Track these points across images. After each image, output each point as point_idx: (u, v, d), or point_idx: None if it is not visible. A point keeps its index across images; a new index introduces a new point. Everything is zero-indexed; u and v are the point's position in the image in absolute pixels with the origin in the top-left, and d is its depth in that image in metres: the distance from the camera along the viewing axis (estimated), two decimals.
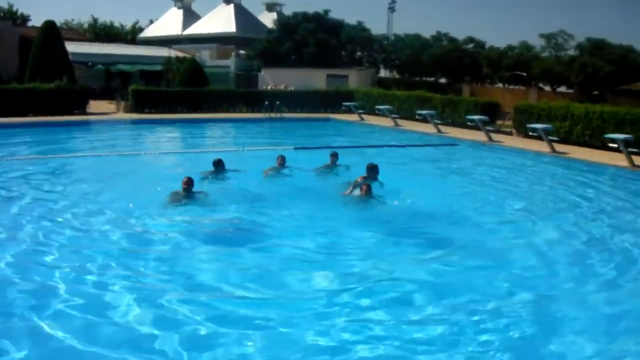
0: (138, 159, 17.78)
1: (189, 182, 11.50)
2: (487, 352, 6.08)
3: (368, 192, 11.57)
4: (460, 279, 8.03)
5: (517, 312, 7.06)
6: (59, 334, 6.08)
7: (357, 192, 11.85)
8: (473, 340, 6.30)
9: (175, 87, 36.54)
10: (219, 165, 14.12)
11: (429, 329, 6.53)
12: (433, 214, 11.32)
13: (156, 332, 6.23)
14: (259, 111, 34.17)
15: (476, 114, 26.62)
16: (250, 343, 6.08)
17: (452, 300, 7.33)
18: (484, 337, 6.37)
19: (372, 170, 13.01)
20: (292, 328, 6.40)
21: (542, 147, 21.59)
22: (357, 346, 6.09)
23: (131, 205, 11.22)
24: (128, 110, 32.89)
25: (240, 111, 35.07)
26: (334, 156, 15.30)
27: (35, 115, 28.44)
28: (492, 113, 27.99)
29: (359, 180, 12.58)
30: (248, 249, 8.79)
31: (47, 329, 6.18)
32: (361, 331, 6.38)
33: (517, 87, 47.58)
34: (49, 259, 8.26)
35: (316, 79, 44.89)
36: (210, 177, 13.81)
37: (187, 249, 8.80)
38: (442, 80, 51.93)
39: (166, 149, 21.05)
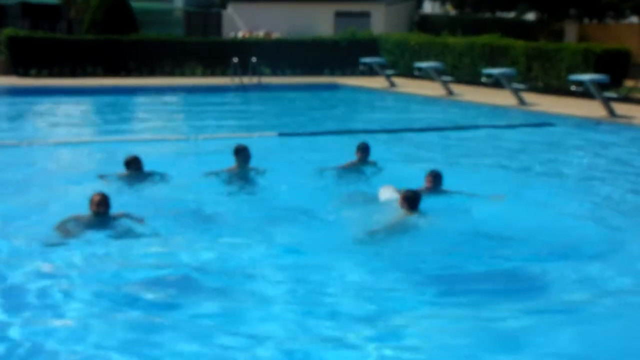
0: (15, 152, 17.65)
1: (102, 202, 11.03)
2: None
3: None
4: None
5: None
6: None
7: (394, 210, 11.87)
8: None
9: (83, 33, 36.54)
10: (131, 165, 14.12)
11: None
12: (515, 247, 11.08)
13: None
14: (224, 74, 33.92)
15: (587, 72, 26.30)
16: None
17: None
18: None
19: (437, 177, 13.27)
20: None
21: None
22: None
23: None
24: (0, 70, 32.77)
25: (193, 74, 35.10)
26: (363, 151, 15.28)
27: None
28: (616, 69, 27.83)
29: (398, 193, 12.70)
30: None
31: None
32: None
33: None
34: None
35: (318, 19, 44.62)
36: (124, 181, 13.92)
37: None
38: (529, 17, 51.58)
39: (64, 136, 20.74)
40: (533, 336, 8.16)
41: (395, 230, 11.49)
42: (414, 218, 11.63)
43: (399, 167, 15.54)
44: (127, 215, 11.31)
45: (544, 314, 8.80)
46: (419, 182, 13.51)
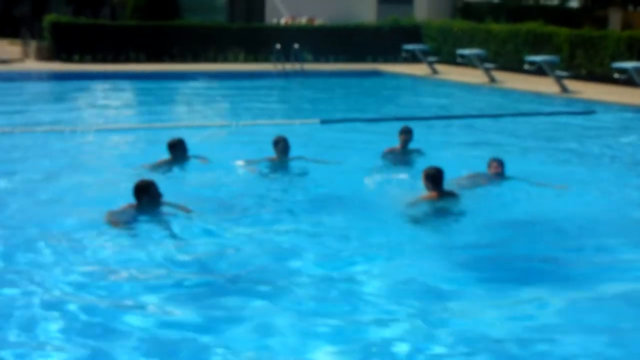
0: (60, 138, 17.72)
1: (147, 189, 11.00)
2: None
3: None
4: None
5: None
6: None
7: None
8: None
9: (127, 19, 36.65)
10: (176, 148, 14.13)
11: None
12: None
13: None
14: (266, 60, 34.01)
15: (630, 60, 26.16)
16: None
17: None
18: None
19: (501, 162, 13.24)
20: None
21: None
22: None
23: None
24: (44, 56, 32.97)
25: (235, 60, 35.14)
26: (407, 134, 15.17)
27: None
28: None
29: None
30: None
31: None
32: None
33: None
34: None
35: (360, 5, 44.25)
36: (166, 168, 13.94)
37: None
38: (573, 4, 51.13)
39: (107, 122, 20.81)
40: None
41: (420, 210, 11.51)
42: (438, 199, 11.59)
43: (443, 154, 15.42)
44: (170, 204, 11.32)
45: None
46: (459, 168, 13.53)
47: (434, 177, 11.55)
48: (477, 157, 15.20)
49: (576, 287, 9.01)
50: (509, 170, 13.26)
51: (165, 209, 11.16)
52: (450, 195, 11.79)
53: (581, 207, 12.33)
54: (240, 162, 14.41)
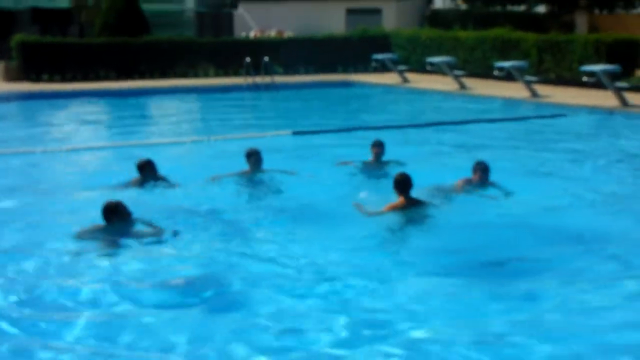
0: (29, 160, 17.49)
1: (115, 209, 10.91)
2: None
3: None
4: None
5: None
6: None
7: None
8: None
9: (95, 36, 36.53)
10: (145, 169, 13.98)
11: None
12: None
13: None
14: (236, 74, 33.97)
15: (598, 63, 26.23)
16: None
17: None
18: None
19: (485, 171, 13.19)
20: None
21: None
22: None
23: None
24: (12, 77, 32.80)
25: (206, 75, 35.05)
26: (378, 147, 15.19)
27: None
28: (627, 58, 27.76)
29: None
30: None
31: None
32: None
33: None
34: None
35: (329, 16, 44.30)
36: (136, 187, 13.81)
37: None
38: (540, 10, 51.36)
39: (76, 141, 20.66)
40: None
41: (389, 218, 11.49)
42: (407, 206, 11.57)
43: (417, 163, 15.38)
44: (142, 222, 11.24)
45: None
46: (436, 177, 13.53)
47: (399, 183, 11.62)
48: (452, 163, 15.32)
49: (546, 296, 8.98)
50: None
51: (136, 228, 11.11)
52: (419, 203, 11.78)
53: (555, 212, 12.34)
54: (214, 178, 14.33)
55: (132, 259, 10.29)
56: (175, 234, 11.07)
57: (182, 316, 8.36)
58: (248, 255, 10.51)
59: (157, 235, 10.97)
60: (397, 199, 11.70)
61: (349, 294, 9.01)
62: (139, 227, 11.14)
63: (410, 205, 11.63)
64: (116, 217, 10.80)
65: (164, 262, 10.27)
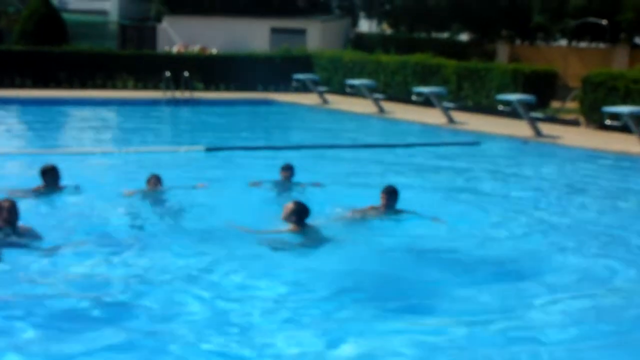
0: None
1: (10, 211, 10.54)
2: None
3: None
4: None
5: None
6: None
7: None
8: None
9: (13, 43, 36.08)
10: (47, 175, 13.73)
11: None
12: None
13: None
14: (156, 88, 33.73)
15: (516, 92, 26.61)
16: None
17: None
18: None
19: (392, 195, 13.05)
20: None
21: (632, 145, 21.59)
22: None
23: None
24: None
25: (124, 87, 34.78)
26: (288, 170, 15.22)
27: None
28: (544, 89, 28.28)
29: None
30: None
31: None
32: None
33: (592, 44, 47.78)
34: None
35: (253, 35, 44.56)
36: (40, 195, 13.56)
37: None
38: (463, 37, 51.93)
39: None
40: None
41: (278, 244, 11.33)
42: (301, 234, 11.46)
43: (330, 184, 15.38)
44: (28, 229, 10.83)
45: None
46: (347, 199, 13.43)
47: (295, 212, 11.50)
48: (364, 186, 15.28)
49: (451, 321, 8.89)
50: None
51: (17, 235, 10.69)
52: (312, 229, 11.66)
53: (463, 239, 12.30)
54: (126, 191, 14.06)
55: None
56: (59, 247, 10.72)
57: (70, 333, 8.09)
58: (137, 272, 10.22)
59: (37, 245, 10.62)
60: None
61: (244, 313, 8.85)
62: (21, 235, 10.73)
63: (302, 230, 11.54)
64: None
65: (40, 275, 9.90)
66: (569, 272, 10.81)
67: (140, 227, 12.36)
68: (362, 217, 12.80)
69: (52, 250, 10.51)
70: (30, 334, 8.03)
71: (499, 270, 10.83)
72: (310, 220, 11.71)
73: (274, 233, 11.56)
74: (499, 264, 11.11)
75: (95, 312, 8.77)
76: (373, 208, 12.93)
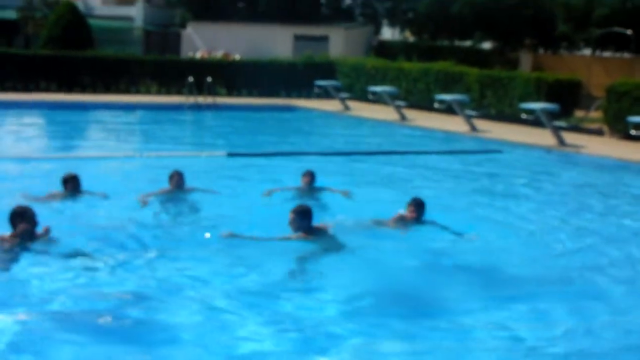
0: None
1: (23, 214, 10.56)
2: None
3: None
4: None
5: None
6: None
7: None
8: None
9: (39, 48, 36.13)
10: (68, 183, 13.87)
11: None
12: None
13: None
14: (179, 93, 33.73)
15: (538, 101, 26.41)
16: None
17: None
18: None
19: (420, 207, 12.92)
20: None
21: None
22: None
23: None
24: None
25: (148, 92, 34.84)
26: (309, 176, 15.17)
27: None
28: (567, 98, 28.09)
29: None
30: None
31: None
32: None
33: (616, 54, 47.57)
34: None
35: (277, 41, 44.69)
36: (60, 201, 13.61)
37: None
38: (486, 46, 51.80)
39: (12, 152, 20.24)
40: None
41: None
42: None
43: (350, 191, 15.28)
44: (45, 234, 10.83)
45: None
46: (369, 208, 13.38)
47: (300, 214, 11.42)
48: (385, 194, 15.28)
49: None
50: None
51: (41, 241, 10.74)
52: (322, 233, 11.56)
53: (489, 251, 12.20)
54: (143, 196, 14.05)
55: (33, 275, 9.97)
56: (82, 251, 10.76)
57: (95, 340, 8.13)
58: (157, 275, 10.29)
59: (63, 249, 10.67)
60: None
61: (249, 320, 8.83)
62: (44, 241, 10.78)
63: (311, 234, 11.44)
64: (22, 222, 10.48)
65: (66, 281, 9.90)
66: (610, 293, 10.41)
67: (155, 235, 12.31)
68: (386, 226, 12.65)
69: (70, 256, 10.52)
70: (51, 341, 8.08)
71: (521, 289, 10.56)
72: (331, 227, 11.68)
73: (282, 240, 11.49)
74: (518, 281, 10.89)
75: (110, 320, 8.75)
76: (400, 217, 12.75)
